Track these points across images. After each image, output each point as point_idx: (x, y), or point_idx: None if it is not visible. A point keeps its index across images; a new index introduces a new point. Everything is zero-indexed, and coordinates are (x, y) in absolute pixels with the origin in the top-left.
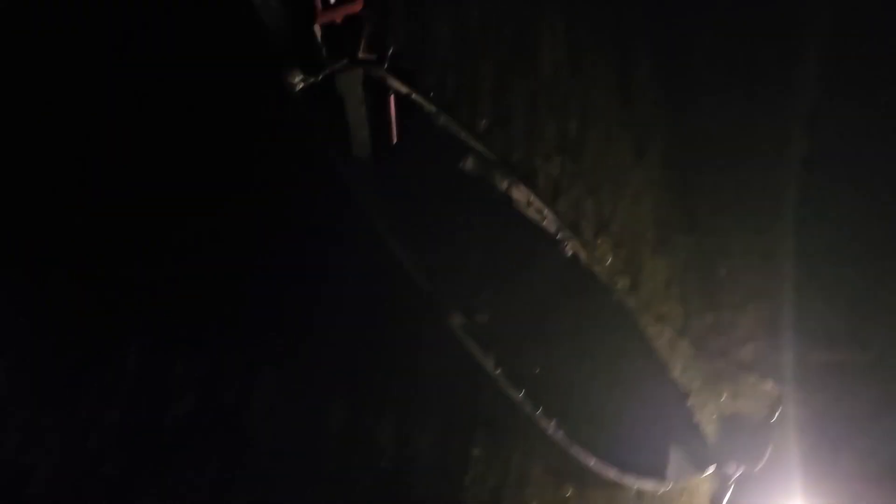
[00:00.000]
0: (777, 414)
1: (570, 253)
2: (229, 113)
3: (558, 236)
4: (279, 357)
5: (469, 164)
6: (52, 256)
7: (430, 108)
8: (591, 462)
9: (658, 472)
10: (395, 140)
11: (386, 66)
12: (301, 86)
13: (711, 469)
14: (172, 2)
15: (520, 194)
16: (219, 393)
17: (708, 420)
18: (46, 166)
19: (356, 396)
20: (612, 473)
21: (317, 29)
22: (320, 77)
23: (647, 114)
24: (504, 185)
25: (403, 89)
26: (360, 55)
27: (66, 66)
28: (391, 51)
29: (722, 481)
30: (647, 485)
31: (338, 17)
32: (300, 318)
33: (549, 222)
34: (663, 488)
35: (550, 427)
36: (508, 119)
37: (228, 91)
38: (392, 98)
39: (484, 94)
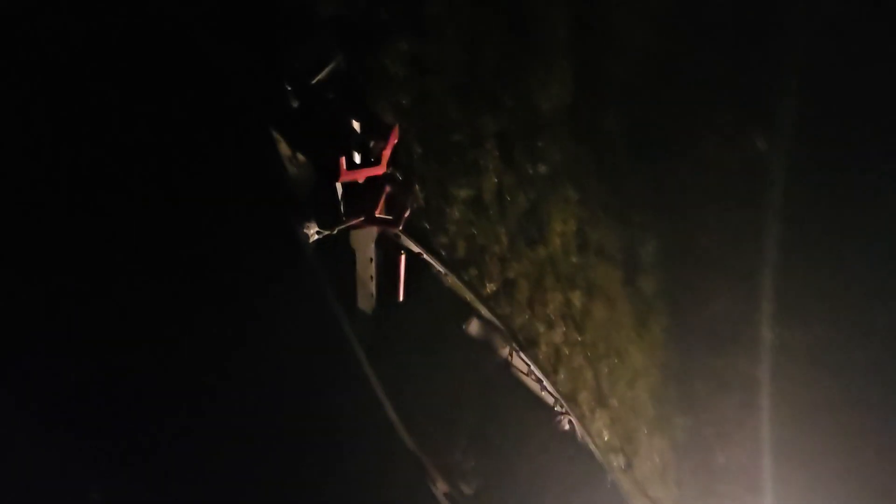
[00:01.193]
0: None
1: (566, 426)
2: (237, 253)
3: (556, 408)
4: None
5: (472, 326)
6: None
7: (438, 268)
8: None
9: None
10: (400, 297)
11: (401, 225)
12: (315, 237)
13: None
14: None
15: (520, 362)
16: None
17: None
18: None
19: None
20: None
21: (338, 186)
22: (335, 231)
23: (652, 291)
24: (505, 351)
25: (415, 248)
26: (377, 214)
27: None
28: (407, 212)
29: None
30: None
31: (360, 177)
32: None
33: (548, 393)
34: None
35: None
36: (515, 285)
37: (240, 232)
38: (403, 256)
39: (493, 260)
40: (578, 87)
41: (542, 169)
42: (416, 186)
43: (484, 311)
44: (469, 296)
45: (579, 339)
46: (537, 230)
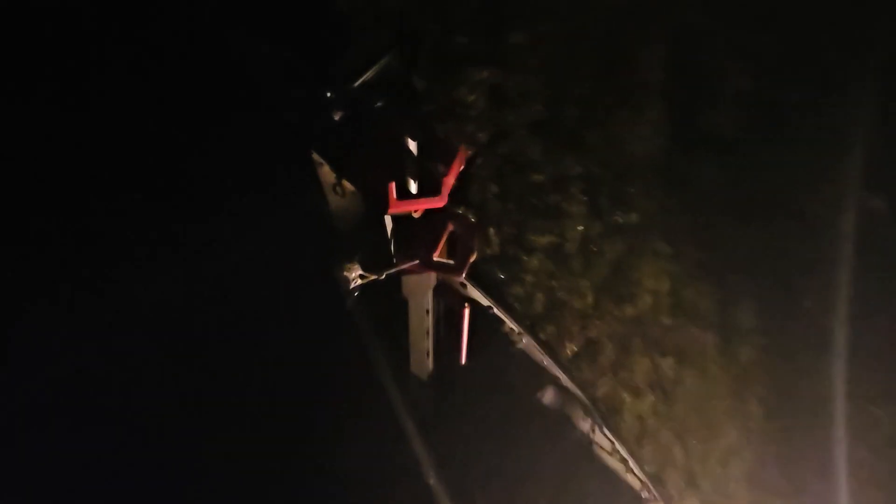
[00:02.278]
0: None
1: None
2: (264, 300)
3: (643, 493)
4: None
5: (548, 395)
6: None
7: (511, 325)
8: None
9: None
10: (463, 358)
11: (465, 272)
12: (358, 283)
13: None
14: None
15: (603, 439)
16: None
17: None
18: None
19: None
20: None
21: (387, 220)
22: (383, 275)
23: (749, 360)
24: (586, 425)
25: (483, 301)
26: (436, 257)
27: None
28: (474, 256)
29: None
30: None
31: (416, 209)
32: None
33: (634, 476)
34: None
35: None
36: (599, 347)
37: (268, 275)
38: (467, 309)
39: (575, 317)
40: (673, 132)
41: (633, 218)
42: (490, 228)
43: (562, 378)
44: (546, 359)
45: (668, 410)
46: (625, 286)
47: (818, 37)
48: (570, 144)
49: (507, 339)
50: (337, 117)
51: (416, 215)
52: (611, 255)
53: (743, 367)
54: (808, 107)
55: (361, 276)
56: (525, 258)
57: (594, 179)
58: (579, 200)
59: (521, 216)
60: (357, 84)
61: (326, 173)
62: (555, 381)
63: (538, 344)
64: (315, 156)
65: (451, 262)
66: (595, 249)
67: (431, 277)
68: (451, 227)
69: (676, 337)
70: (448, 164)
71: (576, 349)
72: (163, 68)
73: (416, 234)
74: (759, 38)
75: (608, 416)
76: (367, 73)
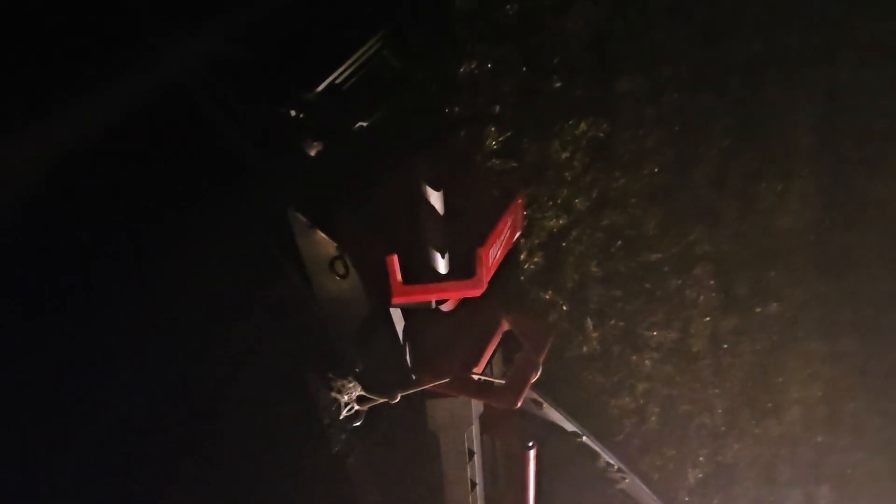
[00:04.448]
0: None
1: None
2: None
3: None
4: None
5: None
6: None
7: (609, 460)
8: None
9: None
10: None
11: (520, 399)
12: (349, 412)
13: None
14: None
15: None
16: None
17: None
18: None
19: None
20: None
21: (396, 315)
22: (395, 398)
23: None
24: None
25: (567, 426)
26: (477, 374)
27: None
28: (537, 375)
29: None
30: None
31: (437, 297)
32: None
33: None
34: None
35: None
36: (734, 476)
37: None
38: (532, 451)
39: (702, 436)
40: (828, 203)
41: (775, 309)
42: (588, 320)
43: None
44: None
45: None
46: (768, 396)
47: None
48: (696, 217)
49: (602, 479)
50: (312, 150)
51: (446, 307)
52: (748, 356)
53: None
54: None
55: (361, 400)
56: (635, 359)
57: (726, 260)
58: (706, 286)
59: (631, 305)
60: (325, 86)
61: (319, 244)
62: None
63: (647, 486)
64: (299, 217)
65: (503, 381)
66: (727, 348)
67: (472, 405)
68: (504, 328)
69: (835, 461)
70: (493, 223)
71: (700, 476)
72: None
73: (448, 337)
74: None
75: None
76: (344, 69)
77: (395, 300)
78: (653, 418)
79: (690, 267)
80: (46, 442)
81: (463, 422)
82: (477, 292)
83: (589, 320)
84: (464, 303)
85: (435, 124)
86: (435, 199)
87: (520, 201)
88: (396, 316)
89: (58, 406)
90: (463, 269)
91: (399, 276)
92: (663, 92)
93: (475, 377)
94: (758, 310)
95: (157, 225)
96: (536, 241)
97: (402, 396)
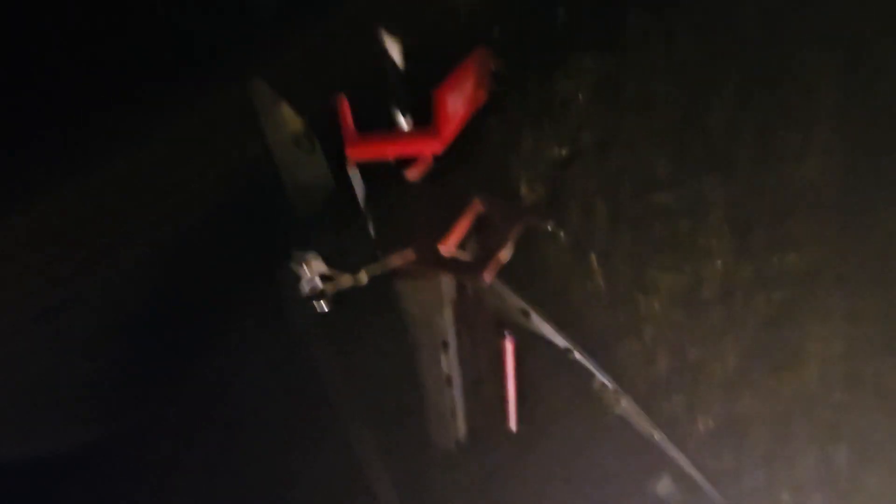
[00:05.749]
0: None
1: None
2: None
3: None
4: None
5: (664, 486)
6: None
7: (604, 381)
8: None
9: None
10: (512, 424)
11: (490, 274)
12: (319, 289)
13: None
14: None
15: None
16: None
17: None
18: None
19: None
20: None
21: (356, 180)
22: (365, 279)
23: None
24: None
25: (559, 341)
26: (446, 249)
27: None
28: (508, 253)
29: None
30: None
31: (394, 154)
32: None
33: None
34: None
35: None
36: (746, 427)
37: None
38: (510, 343)
39: (713, 384)
40: (854, 155)
41: (794, 261)
42: (592, 256)
43: (684, 464)
44: (657, 432)
45: None
46: (784, 350)
47: None
48: (710, 163)
49: (596, 401)
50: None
51: (411, 175)
52: (763, 306)
53: None
54: None
55: (325, 278)
56: (643, 300)
57: (741, 208)
58: (720, 232)
59: (638, 246)
60: None
61: (283, 119)
62: (675, 467)
63: (646, 414)
64: (257, 85)
65: (470, 257)
66: (742, 297)
67: (448, 285)
68: (477, 207)
69: (854, 420)
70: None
71: (711, 426)
72: None
73: (416, 211)
74: None
75: None
76: None
77: (348, 150)
78: (660, 363)
79: (702, 211)
80: (47, 443)
81: (434, 308)
82: (437, 145)
83: (593, 256)
84: (434, 178)
85: None
86: (392, 47)
87: (485, 53)
88: (361, 189)
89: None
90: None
91: (351, 122)
92: (676, 32)
93: (442, 252)
94: (775, 260)
95: None
96: (537, 171)
97: (369, 279)
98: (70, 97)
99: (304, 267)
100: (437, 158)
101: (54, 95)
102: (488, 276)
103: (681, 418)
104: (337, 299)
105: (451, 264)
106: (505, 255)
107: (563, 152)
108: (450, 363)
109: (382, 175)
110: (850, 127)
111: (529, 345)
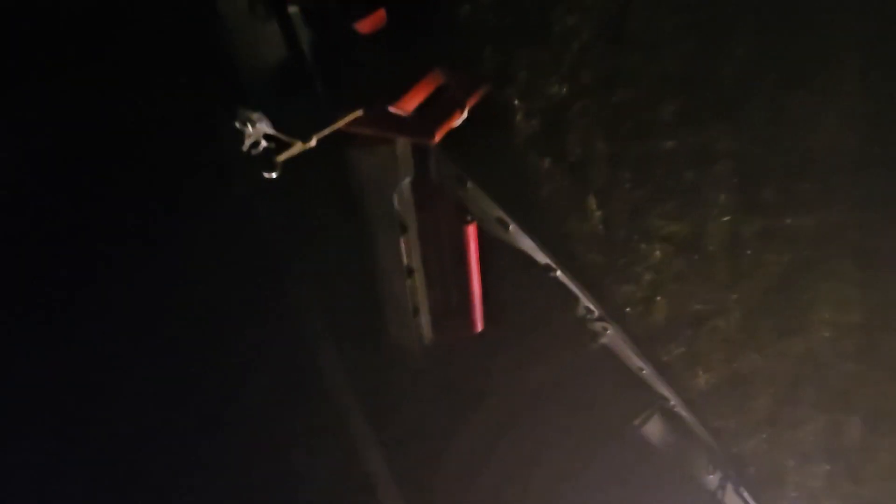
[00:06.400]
0: None
1: None
2: None
3: None
4: None
5: (653, 426)
6: None
7: (588, 305)
8: None
9: None
10: (477, 325)
11: (439, 135)
12: (262, 149)
13: None
14: None
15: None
16: None
17: None
18: None
19: None
20: None
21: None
22: (312, 141)
23: None
24: (713, 479)
25: (539, 257)
26: (398, 109)
27: None
28: (461, 118)
29: None
30: None
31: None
32: None
33: None
34: None
35: None
36: (749, 388)
37: None
38: (472, 227)
39: (716, 339)
40: (875, 115)
41: (807, 221)
42: (591, 196)
43: (681, 410)
44: (647, 366)
45: (854, 488)
46: (793, 312)
47: None
48: (720, 113)
49: (580, 328)
50: None
51: (363, 27)
52: (773, 266)
53: None
54: None
55: (269, 138)
56: (643, 248)
57: (752, 162)
58: (728, 184)
59: (640, 190)
60: None
61: None
62: (667, 412)
63: (634, 341)
64: None
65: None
66: (750, 254)
67: (405, 158)
68: (436, 78)
69: (865, 389)
70: None
71: (713, 381)
72: None
73: (367, 69)
74: None
75: (763, 483)
76: None
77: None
78: (660, 312)
79: (709, 161)
80: (51, 446)
81: (389, 181)
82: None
83: (592, 197)
84: (386, 35)
85: None
86: None
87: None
88: (312, 49)
89: (59, 409)
90: None
91: None
92: None
93: (392, 109)
94: (788, 220)
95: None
96: (535, 106)
97: (316, 138)
98: None
99: (248, 125)
100: (395, 25)
101: None
102: (437, 136)
103: (680, 370)
104: (287, 167)
105: (401, 124)
106: (457, 120)
107: (564, 90)
108: (410, 250)
109: (333, 28)
110: (872, 93)
111: (507, 260)
